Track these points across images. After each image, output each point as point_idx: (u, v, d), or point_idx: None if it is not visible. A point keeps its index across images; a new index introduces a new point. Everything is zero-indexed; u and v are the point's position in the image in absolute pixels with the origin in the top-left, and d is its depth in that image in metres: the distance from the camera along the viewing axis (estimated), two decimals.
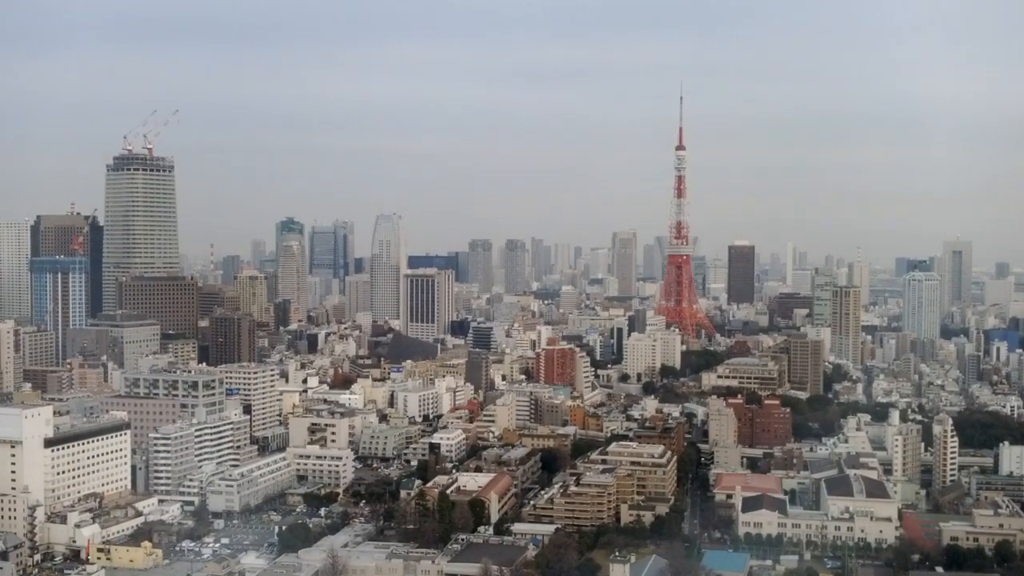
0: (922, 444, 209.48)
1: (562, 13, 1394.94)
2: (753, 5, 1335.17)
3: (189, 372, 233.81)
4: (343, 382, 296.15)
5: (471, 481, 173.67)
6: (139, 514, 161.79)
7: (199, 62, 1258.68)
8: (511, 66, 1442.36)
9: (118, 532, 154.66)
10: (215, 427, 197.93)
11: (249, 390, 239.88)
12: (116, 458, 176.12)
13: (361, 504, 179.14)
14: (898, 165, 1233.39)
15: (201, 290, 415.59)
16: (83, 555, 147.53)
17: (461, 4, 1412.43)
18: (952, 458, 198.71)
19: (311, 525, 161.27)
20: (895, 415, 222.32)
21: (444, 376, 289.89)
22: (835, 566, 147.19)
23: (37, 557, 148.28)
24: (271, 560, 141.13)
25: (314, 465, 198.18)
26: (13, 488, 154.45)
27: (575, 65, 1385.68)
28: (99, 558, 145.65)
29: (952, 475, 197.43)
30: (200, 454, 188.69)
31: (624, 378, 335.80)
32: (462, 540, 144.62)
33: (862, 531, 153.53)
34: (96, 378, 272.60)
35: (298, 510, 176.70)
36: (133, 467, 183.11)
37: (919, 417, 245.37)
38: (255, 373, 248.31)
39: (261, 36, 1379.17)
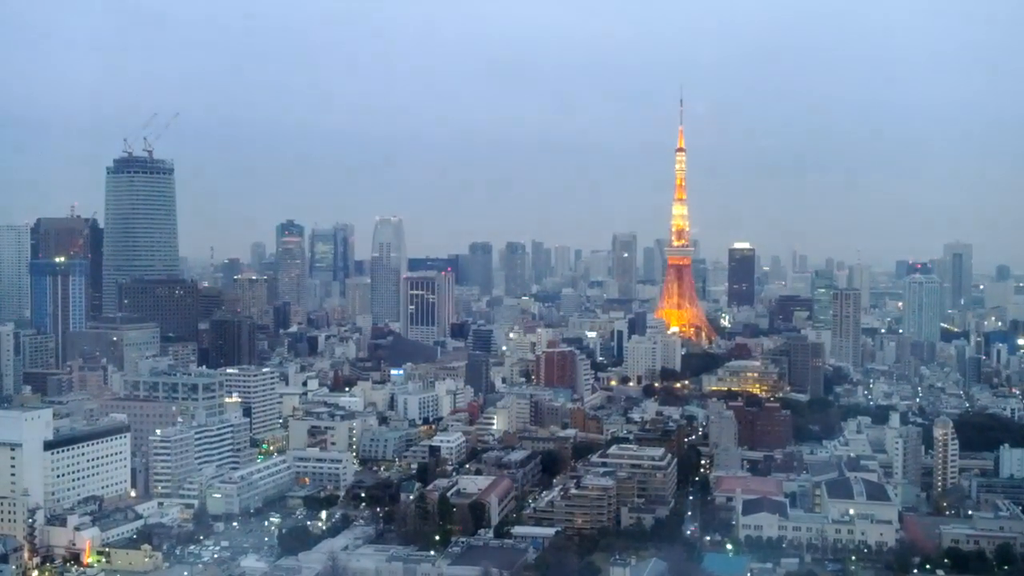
0: (922, 447, 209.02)
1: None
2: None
3: (189, 375, 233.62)
4: (343, 384, 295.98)
5: (471, 484, 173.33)
6: (139, 517, 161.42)
7: (202, 70, 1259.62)
8: (511, 70, 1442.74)
9: (118, 535, 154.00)
10: (215, 430, 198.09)
11: (249, 392, 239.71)
12: (116, 461, 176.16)
13: (361, 507, 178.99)
14: (899, 167, 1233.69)
15: (201, 293, 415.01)
16: (83, 558, 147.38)
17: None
18: (952, 461, 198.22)
19: (311, 528, 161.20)
20: (895, 418, 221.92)
21: (444, 379, 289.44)
22: (835, 569, 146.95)
23: (37, 560, 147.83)
24: (271, 563, 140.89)
25: (314, 468, 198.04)
26: (13, 491, 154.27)
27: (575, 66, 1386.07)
28: (99, 561, 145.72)
29: (952, 478, 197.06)
30: (200, 457, 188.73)
31: (624, 380, 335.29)
32: (462, 543, 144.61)
33: (862, 534, 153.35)
34: (96, 381, 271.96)
35: (298, 513, 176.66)
36: (133, 470, 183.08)
37: (919, 420, 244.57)
38: (255, 376, 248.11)
39: (268, 46, 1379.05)
